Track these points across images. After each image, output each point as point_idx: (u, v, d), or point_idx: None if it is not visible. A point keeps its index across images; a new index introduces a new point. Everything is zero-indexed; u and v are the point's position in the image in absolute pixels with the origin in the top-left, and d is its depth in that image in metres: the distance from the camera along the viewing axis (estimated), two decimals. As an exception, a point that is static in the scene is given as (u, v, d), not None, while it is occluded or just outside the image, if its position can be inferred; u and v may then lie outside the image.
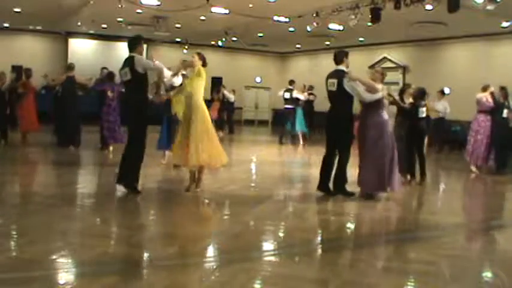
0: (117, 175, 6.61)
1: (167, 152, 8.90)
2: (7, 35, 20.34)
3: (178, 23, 17.22)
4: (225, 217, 6.07)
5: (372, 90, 6.80)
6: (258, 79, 25.32)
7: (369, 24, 12.56)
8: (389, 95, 8.13)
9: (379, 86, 6.93)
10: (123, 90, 10.88)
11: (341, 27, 15.50)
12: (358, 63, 21.30)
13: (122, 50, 22.61)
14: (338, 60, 7.00)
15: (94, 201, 6.33)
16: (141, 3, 13.71)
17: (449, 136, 15.68)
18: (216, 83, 19.73)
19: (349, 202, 6.88)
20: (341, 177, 7.01)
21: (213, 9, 13.96)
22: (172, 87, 8.16)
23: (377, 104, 6.89)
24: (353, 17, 12.36)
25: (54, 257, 4.01)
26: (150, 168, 8.29)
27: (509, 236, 5.85)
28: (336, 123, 6.91)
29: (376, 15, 11.82)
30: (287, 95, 14.98)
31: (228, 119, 18.31)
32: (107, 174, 8.49)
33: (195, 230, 5.34)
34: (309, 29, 14.45)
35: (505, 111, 10.14)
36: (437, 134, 14.14)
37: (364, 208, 6.73)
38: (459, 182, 9.86)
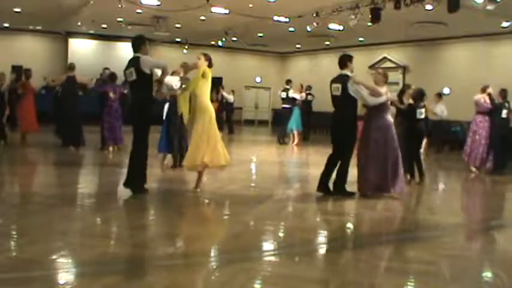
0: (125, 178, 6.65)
1: (168, 155, 8.96)
2: (7, 35, 20.34)
3: (178, 23, 17.22)
4: (225, 217, 6.07)
5: (375, 94, 6.84)
6: (258, 79, 25.32)
7: (369, 24, 12.56)
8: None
9: (384, 89, 6.97)
10: (125, 91, 10.94)
11: (341, 27, 15.50)
12: (358, 63, 21.25)
13: (122, 50, 22.64)
14: (342, 64, 7.03)
15: (94, 201, 6.33)
16: (141, 3, 13.71)
17: (449, 136, 15.70)
18: (216, 83, 19.65)
19: (349, 202, 6.88)
20: (342, 178, 7.02)
21: (213, 9, 13.96)
22: (171, 90, 8.22)
23: (381, 107, 6.95)
24: (353, 17, 12.36)
25: (54, 257, 4.01)
26: (150, 169, 8.29)
27: (509, 236, 5.85)
28: (340, 126, 6.99)
29: (376, 15, 11.82)
30: (284, 95, 15.12)
31: (228, 119, 18.36)
32: (107, 175, 8.51)
33: (195, 230, 5.34)
34: (309, 29, 14.45)
35: (504, 111, 10.15)
36: (435, 135, 14.19)
37: (364, 208, 6.73)
38: (459, 182, 9.86)
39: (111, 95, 10.69)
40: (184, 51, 21.22)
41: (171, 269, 3.96)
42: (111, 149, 10.82)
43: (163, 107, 8.93)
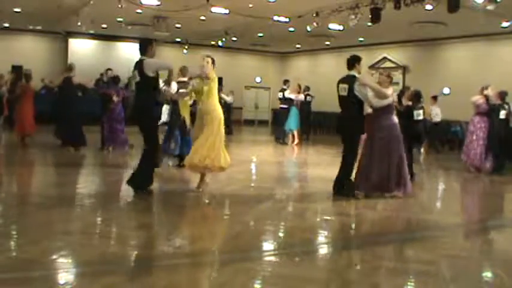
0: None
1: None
2: (7, 35, 20.34)
3: (178, 23, 17.22)
4: (225, 217, 6.07)
5: (381, 95, 6.89)
6: (258, 79, 25.32)
7: (369, 24, 12.57)
8: None
9: (389, 90, 7.02)
10: (127, 94, 10.92)
11: (341, 27, 15.50)
12: (358, 63, 21.38)
13: (122, 50, 22.67)
14: (350, 65, 7.08)
15: (94, 201, 6.33)
16: (141, 3, 13.71)
17: (449, 136, 15.72)
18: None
19: (349, 202, 6.88)
20: (342, 179, 7.05)
21: (213, 9, 13.97)
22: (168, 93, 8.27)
23: (387, 108, 6.99)
24: (353, 17, 12.37)
25: (54, 257, 4.01)
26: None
27: (509, 236, 5.85)
28: (346, 126, 7.03)
29: (376, 15, 11.83)
30: (281, 95, 15.28)
31: (226, 120, 18.32)
32: (106, 175, 8.50)
33: (195, 230, 5.35)
34: (309, 29, 14.46)
35: (502, 112, 10.16)
36: (433, 136, 14.24)
37: (364, 208, 6.73)
38: (458, 182, 9.86)
39: (114, 98, 10.58)
40: (184, 51, 21.23)
41: (171, 269, 3.96)
42: (110, 149, 10.80)
43: (161, 109, 8.97)
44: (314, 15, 13.51)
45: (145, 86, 6.49)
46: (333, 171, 7.44)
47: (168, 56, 19.40)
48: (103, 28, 19.36)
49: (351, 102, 6.88)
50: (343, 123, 7.08)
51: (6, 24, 19.50)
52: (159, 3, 13.79)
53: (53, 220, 5.18)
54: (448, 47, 17.62)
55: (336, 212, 6.50)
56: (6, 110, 11.72)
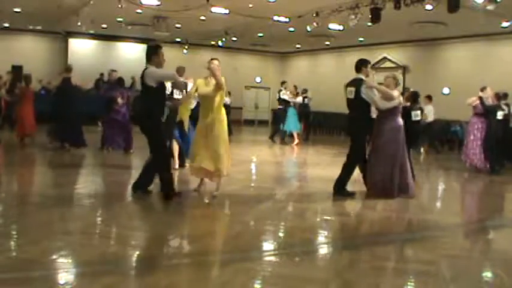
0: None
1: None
2: (7, 35, 20.34)
3: (178, 23, 17.22)
4: (225, 217, 6.07)
5: (388, 98, 6.99)
6: (258, 79, 25.33)
7: (369, 24, 12.56)
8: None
9: (396, 93, 7.10)
10: (131, 94, 10.84)
11: (341, 27, 15.50)
12: (358, 63, 21.39)
13: (122, 50, 22.69)
14: (357, 68, 7.22)
15: (93, 201, 6.33)
16: (141, 3, 13.70)
17: (448, 136, 15.72)
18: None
19: (349, 202, 6.89)
20: (343, 179, 7.07)
21: (213, 9, 13.96)
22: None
23: (393, 110, 7.07)
24: (353, 17, 12.37)
25: (54, 257, 4.01)
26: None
27: (509, 235, 5.86)
28: (353, 127, 7.19)
29: (376, 15, 11.82)
30: (277, 96, 15.61)
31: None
32: (106, 175, 8.50)
33: (195, 230, 5.35)
34: (309, 29, 14.46)
35: (499, 113, 10.21)
36: (431, 137, 14.27)
37: (364, 208, 6.74)
38: (458, 182, 9.87)
39: (119, 100, 10.45)
40: (184, 51, 21.23)
41: (171, 269, 3.97)
42: (110, 149, 10.75)
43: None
44: (314, 15, 13.51)
45: (146, 96, 6.28)
46: (333, 171, 7.45)
47: (168, 56, 19.35)
48: (103, 28, 19.35)
49: (358, 104, 6.99)
50: (351, 125, 7.24)
51: (6, 24, 19.50)
52: (159, 3, 13.79)
53: (53, 220, 5.18)
54: (448, 47, 17.61)
55: (336, 212, 6.50)
56: (4, 110, 11.69)
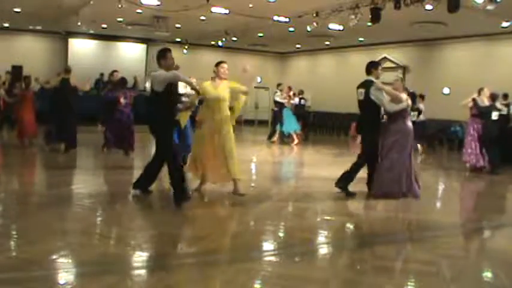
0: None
1: None
2: (7, 35, 20.35)
3: (178, 23, 17.22)
4: (225, 217, 6.07)
5: (396, 100, 7.07)
6: (258, 79, 25.29)
7: (369, 24, 12.57)
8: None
9: (404, 95, 7.17)
10: (134, 94, 10.77)
11: (341, 27, 15.51)
12: (358, 63, 21.40)
13: (122, 50, 22.70)
14: (367, 70, 7.34)
15: (94, 201, 6.32)
16: (141, 3, 13.72)
17: (448, 136, 15.73)
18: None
19: (349, 202, 6.89)
20: (349, 177, 7.14)
21: (213, 9, 13.98)
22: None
23: (402, 112, 7.15)
24: (353, 17, 12.38)
25: (54, 257, 4.01)
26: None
27: (509, 236, 5.85)
28: (363, 128, 7.33)
29: (376, 15, 11.83)
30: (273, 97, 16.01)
31: None
32: (106, 175, 8.51)
33: (195, 230, 5.35)
34: (309, 29, 14.47)
35: (494, 113, 10.27)
36: (430, 137, 14.33)
37: (364, 208, 6.74)
38: (459, 182, 9.87)
39: (122, 100, 10.25)
40: (184, 51, 21.23)
41: (171, 268, 3.96)
42: (111, 149, 10.63)
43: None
44: (314, 15, 13.52)
45: (154, 100, 6.18)
46: (333, 172, 7.46)
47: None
48: (103, 28, 19.37)
49: (367, 106, 7.11)
50: (361, 126, 7.44)
51: (6, 24, 19.52)
52: (159, 3, 13.80)
53: (53, 220, 5.18)
54: (448, 47, 17.62)
55: (336, 212, 6.50)
56: (2, 110, 11.62)
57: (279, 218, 5.90)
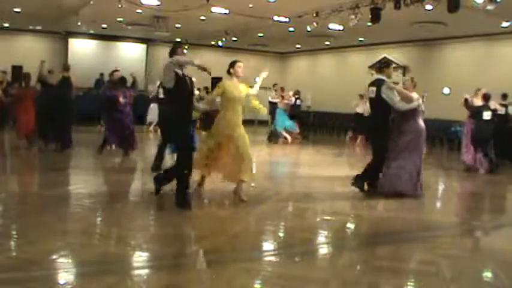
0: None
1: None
2: (7, 35, 20.34)
3: (178, 23, 17.23)
4: (225, 217, 6.06)
5: (407, 99, 7.14)
6: (257, 79, 25.30)
7: (369, 24, 12.57)
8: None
9: (415, 95, 7.25)
10: (134, 94, 10.75)
11: (341, 27, 15.51)
12: (358, 63, 21.42)
13: (122, 50, 22.70)
14: (379, 69, 7.47)
15: (94, 201, 6.32)
16: (141, 3, 13.72)
17: (448, 136, 15.74)
18: (216, 84, 19.77)
19: (349, 202, 6.89)
20: (370, 174, 7.29)
21: (213, 9, 13.97)
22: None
23: (414, 112, 7.22)
24: (353, 17, 12.38)
25: (54, 257, 4.01)
26: (149, 170, 8.33)
27: (509, 235, 5.85)
28: (374, 126, 7.49)
29: (376, 15, 11.83)
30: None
31: None
32: (106, 175, 8.51)
33: (194, 230, 5.35)
34: (309, 29, 14.47)
35: (485, 113, 10.33)
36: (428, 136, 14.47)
37: (364, 208, 6.74)
38: (458, 182, 9.86)
39: (121, 99, 10.20)
40: (184, 51, 21.21)
41: (171, 269, 3.97)
42: (108, 148, 10.63)
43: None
44: (314, 15, 13.52)
45: (166, 97, 6.15)
46: (333, 171, 7.46)
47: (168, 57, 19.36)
48: (103, 28, 19.37)
49: (378, 104, 7.21)
50: (372, 124, 7.59)
51: (6, 24, 19.52)
52: (159, 3, 13.80)
53: (53, 220, 5.17)
54: (448, 47, 17.61)
55: (336, 212, 6.49)
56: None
57: (279, 218, 5.90)
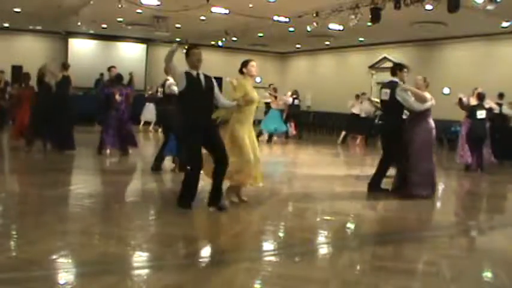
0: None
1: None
2: (7, 35, 20.35)
3: (178, 23, 17.23)
4: (225, 217, 6.06)
5: (421, 99, 7.19)
6: (258, 79, 25.31)
7: (369, 24, 12.58)
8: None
9: (428, 94, 7.29)
10: (130, 92, 10.71)
11: (341, 27, 15.52)
12: (358, 63, 21.42)
13: (122, 50, 22.70)
14: (393, 72, 7.50)
15: (94, 201, 6.32)
16: (141, 3, 13.73)
17: (449, 136, 15.74)
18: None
19: (349, 202, 6.89)
20: (378, 177, 7.35)
21: (213, 9, 13.98)
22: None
23: (426, 111, 7.27)
24: (353, 17, 12.38)
25: (54, 257, 4.01)
26: (150, 171, 8.33)
27: (509, 235, 5.85)
28: (386, 128, 7.56)
29: (376, 15, 11.84)
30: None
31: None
32: (106, 176, 8.51)
33: (194, 230, 5.35)
34: (309, 29, 14.48)
35: (479, 112, 10.38)
36: None
37: (364, 208, 6.74)
38: (458, 182, 9.87)
39: (117, 97, 10.13)
40: (184, 51, 21.22)
41: (171, 269, 3.96)
42: (108, 151, 10.47)
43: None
44: (314, 15, 13.52)
45: (178, 102, 6.13)
46: (333, 171, 7.45)
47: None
48: (103, 28, 19.38)
49: (391, 106, 7.27)
50: (384, 125, 7.70)
51: (6, 24, 19.53)
52: (159, 3, 13.80)
53: (53, 220, 5.17)
54: (448, 47, 17.62)
55: (336, 212, 6.49)
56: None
57: (279, 218, 5.90)
